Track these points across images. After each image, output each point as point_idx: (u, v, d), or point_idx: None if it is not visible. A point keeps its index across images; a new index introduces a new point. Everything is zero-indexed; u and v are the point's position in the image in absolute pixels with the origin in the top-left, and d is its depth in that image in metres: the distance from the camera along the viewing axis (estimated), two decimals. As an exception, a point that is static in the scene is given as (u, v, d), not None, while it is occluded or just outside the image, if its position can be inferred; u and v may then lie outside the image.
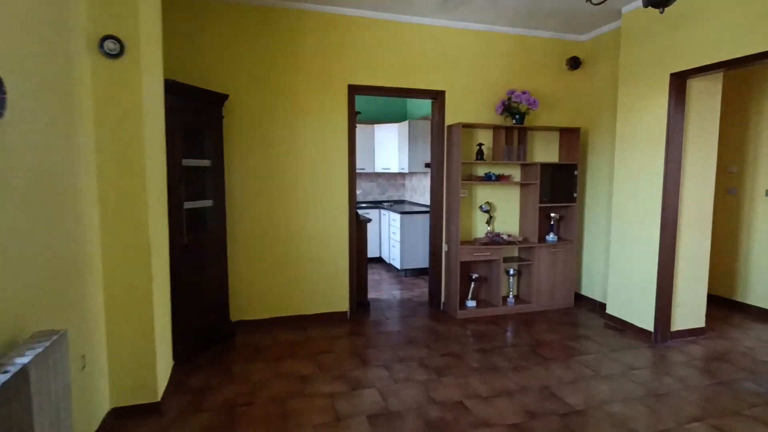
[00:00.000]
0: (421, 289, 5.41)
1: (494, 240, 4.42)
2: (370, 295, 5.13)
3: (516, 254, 4.78)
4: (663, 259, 3.67)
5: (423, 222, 5.97)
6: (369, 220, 4.51)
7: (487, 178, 4.43)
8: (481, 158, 4.38)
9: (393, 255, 6.25)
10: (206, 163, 3.54)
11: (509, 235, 4.54)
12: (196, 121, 3.39)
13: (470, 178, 4.48)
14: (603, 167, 4.58)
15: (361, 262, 4.52)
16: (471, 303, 4.47)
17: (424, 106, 6.53)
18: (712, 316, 4.07)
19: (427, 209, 5.85)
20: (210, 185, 3.61)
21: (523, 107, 4.36)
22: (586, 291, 4.85)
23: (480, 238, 4.47)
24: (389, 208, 6.42)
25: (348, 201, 4.21)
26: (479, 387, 2.94)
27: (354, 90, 4.15)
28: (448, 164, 4.44)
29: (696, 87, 3.60)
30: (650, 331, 3.78)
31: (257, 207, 3.98)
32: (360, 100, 7.16)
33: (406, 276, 6.07)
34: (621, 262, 4.09)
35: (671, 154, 3.59)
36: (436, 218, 4.56)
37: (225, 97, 3.60)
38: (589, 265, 4.80)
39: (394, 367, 3.24)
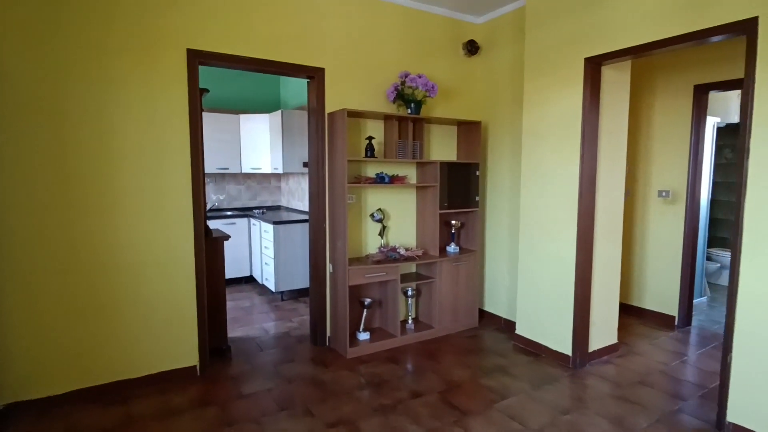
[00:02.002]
0: (301, 317, 4.37)
1: (389, 256, 3.59)
2: (235, 332, 3.94)
3: (413, 270, 4.03)
4: (580, 271, 3.19)
5: (303, 232, 4.94)
6: (226, 237, 3.35)
7: (380, 180, 3.58)
8: (372, 155, 3.52)
9: (266, 274, 5.10)
10: None
11: (407, 249, 3.76)
12: None
13: (359, 180, 3.59)
14: (504, 166, 4.05)
15: (215, 292, 3.34)
16: (364, 335, 3.58)
17: (301, 92, 5.49)
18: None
19: (308, 217, 4.85)
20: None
21: (419, 93, 3.60)
22: (489, 306, 4.29)
23: (373, 255, 3.60)
24: (261, 217, 5.25)
25: (193, 211, 3.01)
26: (384, 481, 2.04)
27: (196, 57, 2.96)
28: (330, 162, 3.49)
29: (607, 75, 3.17)
30: (567, 355, 3.28)
31: (47, 225, 2.58)
32: (218, 83, 5.89)
33: (283, 299, 4.97)
34: (530, 276, 3.56)
35: (587, 152, 3.11)
36: (318, 231, 3.58)
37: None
38: (492, 278, 4.25)
39: (259, 461, 2.19)
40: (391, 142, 3.65)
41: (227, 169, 5.65)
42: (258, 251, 5.34)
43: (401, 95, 3.62)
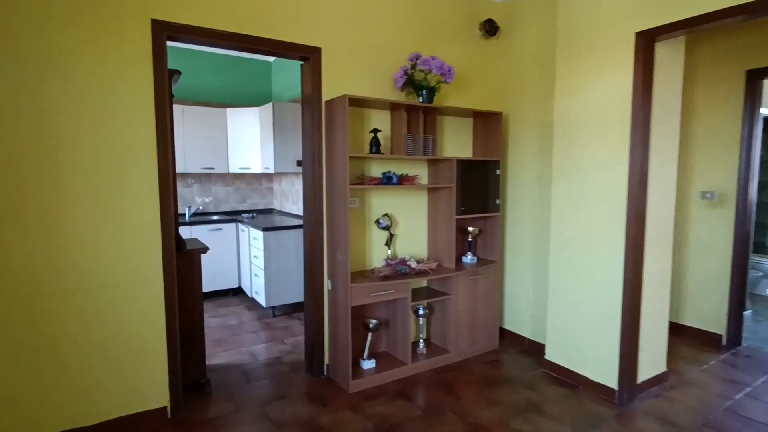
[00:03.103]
0: (295, 337, 3.82)
1: (398, 270, 3.05)
2: (218, 357, 3.39)
3: (424, 284, 3.49)
4: (629, 289, 2.66)
5: (297, 240, 4.39)
6: (203, 249, 2.80)
7: (387, 181, 3.03)
8: (377, 151, 2.97)
9: (256, 286, 4.54)
10: None
11: (418, 261, 3.21)
12: None
13: (362, 181, 3.05)
14: (529, 164, 3.52)
15: (190, 316, 2.78)
16: (369, 363, 3.04)
17: (296, 82, 4.94)
18: (665, 351, 3.23)
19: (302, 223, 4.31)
20: None
21: (432, 78, 3.06)
22: (510, 325, 3.76)
23: (379, 269, 3.06)
24: (249, 222, 4.69)
25: (161, 220, 2.46)
26: None
27: (164, 30, 2.41)
28: (329, 160, 2.94)
29: (659, 54, 2.65)
30: (612, 388, 2.76)
31: (-42, 240, 2.02)
32: (201, 72, 5.21)
33: (274, 316, 4.42)
34: (564, 293, 3.03)
35: (638, 145, 2.58)
36: (314, 241, 3.03)
37: None
38: (513, 293, 3.72)
39: None
40: (399, 136, 3.11)
41: (213, 168, 5.09)
42: (247, 260, 4.78)
43: (411, 80, 3.08)
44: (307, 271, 3.11)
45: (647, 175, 2.62)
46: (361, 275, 3.02)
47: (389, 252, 3.25)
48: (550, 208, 3.23)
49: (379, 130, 2.97)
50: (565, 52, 2.94)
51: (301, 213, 4.96)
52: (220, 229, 4.91)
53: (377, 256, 3.26)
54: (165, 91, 2.43)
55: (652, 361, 2.89)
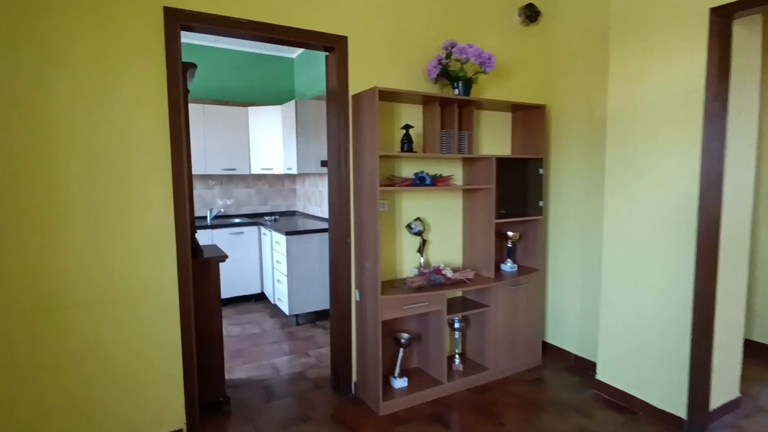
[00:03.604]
0: (319, 349, 3.59)
1: (433, 280, 2.78)
2: (238, 371, 3.18)
3: (459, 294, 3.20)
4: (701, 304, 2.32)
5: (321, 244, 4.16)
6: (222, 258, 2.58)
7: (420, 182, 2.76)
8: (409, 149, 2.70)
9: (278, 293, 4.34)
10: None
11: (454, 270, 2.93)
12: None
13: (393, 182, 2.78)
14: (575, 162, 3.18)
15: (208, 330, 2.57)
16: (400, 382, 2.77)
17: (320, 79, 4.72)
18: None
19: (327, 226, 4.10)
20: None
21: (469, 68, 2.77)
22: (554, 338, 3.43)
23: (411, 278, 2.79)
24: (272, 225, 4.49)
25: (175, 228, 2.25)
26: None
27: (177, 19, 2.20)
28: (356, 160, 2.69)
29: (737, 33, 2.29)
30: (680, 417, 2.41)
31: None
32: (223, 71, 4.91)
33: (298, 324, 4.20)
34: (620, 306, 2.69)
35: (712, 139, 2.24)
36: (339, 248, 2.78)
37: None
38: (557, 303, 3.39)
39: None
40: (432, 133, 2.83)
41: (234, 170, 4.92)
42: (269, 265, 4.58)
43: (446, 71, 2.80)
44: (332, 280, 2.87)
45: (723, 175, 2.27)
46: (392, 285, 2.76)
47: (422, 260, 2.98)
48: (599, 211, 2.90)
49: (412, 126, 2.69)
50: (621, 34, 2.61)
51: (325, 215, 4.74)
52: (242, 232, 4.73)
53: (408, 264, 2.99)
54: (179, 87, 2.22)
55: (724, 386, 2.53)
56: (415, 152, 2.72)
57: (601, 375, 2.83)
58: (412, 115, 2.90)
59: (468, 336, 3.21)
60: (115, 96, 2.08)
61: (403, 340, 2.75)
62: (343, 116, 2.67)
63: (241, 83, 5.13)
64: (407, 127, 2.68)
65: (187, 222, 2.28)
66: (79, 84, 2.01)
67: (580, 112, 3.12)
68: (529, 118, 3.22)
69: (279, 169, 4.90)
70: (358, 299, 2.77)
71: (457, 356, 3.06)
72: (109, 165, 2.09)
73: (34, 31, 1.91)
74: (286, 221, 4.82)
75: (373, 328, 2.60)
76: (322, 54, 2.82)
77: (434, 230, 3.07)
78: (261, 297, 4.98)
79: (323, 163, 4.57)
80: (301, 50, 5.12)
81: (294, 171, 4.61)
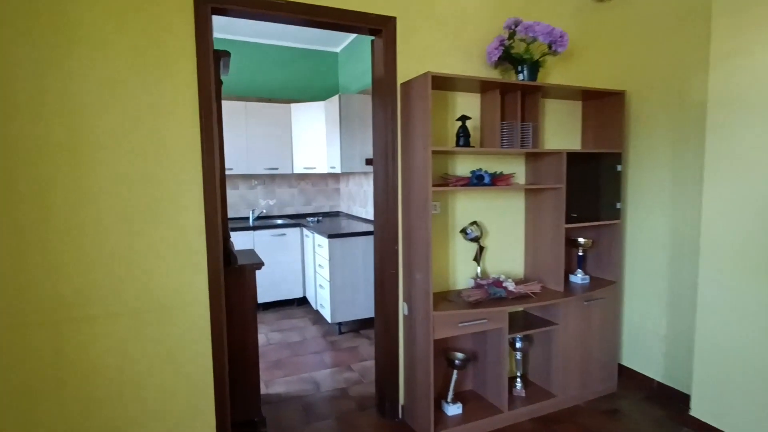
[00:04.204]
0: (364, 362, 3.32)
1: (492, 293, 2.42)
2: (276, 385, 2.96)
3: (520, 308, 2.82)
4: (842, 336, 1.83)
5: (366, 247, 3.89)
6: (258, 265, 2.36)
7: (477, 181, 2.41)
8: (466, 143, 2.37)
9: (321, 299, 4.12)
10: None
11: (517, 282, 2.56)
12: None
13: (446, 182, 2.45)
14: (661, 157, 2.72)
15: (243, 343, 2.35)
16: (454, 409, 2.44)
17: (365, 73, 4.46)
18: None
19: (372, 229, 3.83)
20: None
21: (536, 50, 2.40)
22: (631, 361, 2.98)
23: (467, 291, 2.45)
24: (314, 227, 4.27)
25: (206, 233, 2.04)
26: None
27: (208, 1, 1.98)
28: (405, 156, 2.38)
29: None
30: (807, 474, 1.93)
31: (-26, 257, 1.72)
32: (265, 67, 4.72)
33: (341, 333, 3.96)
34: (724, 330, 2.22)
35: None
36: (386, 255, 2.49)
37: None
38: (635, 321, 2.93)
39: None
40: (491, 124, 2.48)
41: (277, 169, 4.75)
42: (312, 269, 4.37)
43: (508, 53, 2.43)
44: (377, 291, 2.58)
45: None
46: (445, 299, 2.43)
47: (478, 269, 2.63)
48: (692, 214, 2.44)
49: (469, 117, 2.35)
50: (726, 4, 2.14)
51: (370, 217, 4.48)
52: (284, 234, 4.55)
53: (463, 273, 2.65)
54: (209, 77, 2.01)
55: None
56: (473, 147, 2.38)
57: (697, 411, 2.37)
58: (467, 105, 2.56)
59: (530, 356, 2.82)
60: (141, 87, 1.89)
61: (457, 362, 2.41)
62: (391, 107, 2.37)
63: (285, 80, 4.96)
64: (464, 118, 2.35)
65: (218, 226, 2.07)
66: (103, 74, 1.82)
67: (667, 98, 2.65)
68: (604, 107, 2.79)
69: (322, 168, 4.69)
70: (406, 313, 2.46)
71: (518, 380, 2.68)
72: (138, 165, 1.90)
73: (57, 16, 1.74)
74: (330, 223, 4.60)
75: (424, 347, 2.28)
76: (368, 46, 2.54)
77: (492, 236, 2.72)
78: (303, 301, 4.79)
79: (368, 161, 4.30)
80: (345, 44, 4.89)
81: (337, 170, 4.37)
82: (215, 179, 2.05)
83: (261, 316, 4.39)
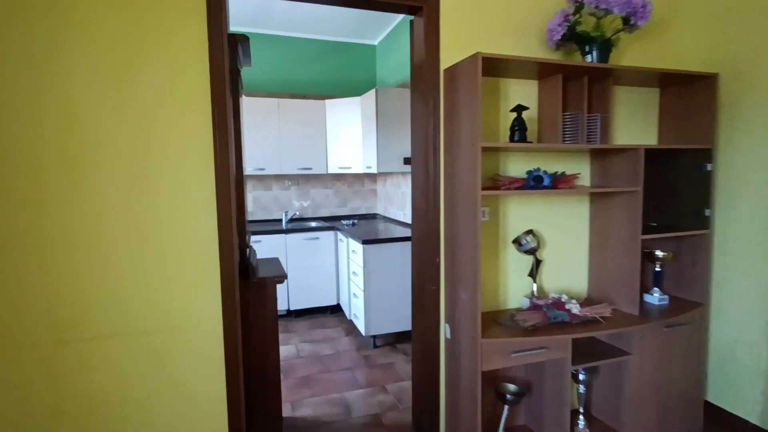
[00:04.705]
0: (400, 383, 3.00)
1: (553, 317, 2.04)
2: (305, 404, 2.70)
3: (585, 335, 2.41)
4: None
5: (403, 254, 3.57)
6: (280, 278, 2.09)
7: (535, 183, 2.03)
8: (522, 138, 2.00)
9: (355, 308, 3.83)
10: None
11: (582, 304, 2.16)
12: None
13: (497, 184, 2.09)
14: (759, 155, 2.23)
15: (262, 366, 2.09)
16: (504, 450, 2.08)
17: (404, 65, 4.14)
18: None
19: (410, 233, 3.51)
20: None
21: (607, 25, 1.99)
22: (718, 398, 2.49)
23: (521, 313, 2.08)
24: (349, 230, 4.00)
25: (219, 244, 1.79)
26: None
27: (222, -23, 1.73)
28: (449, 154, 2.04)
29: None
30: None
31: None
32: (300, 63, 4.47)
33: (375, 346, 3.65)
34: None
35: None
36: (425, 269, 2.16)
37: None
38: (724, 352, 2.44)
39: None
40: (550, 116, 2.10)
41: (311, 169, 4.51)
42: (346, 276, 4.10)
43: (573, 31, 2.04)
44: (415, 309, 2.26)
45: None
46: (495, 321, 2.07)
47: (534, 286, 2.25)
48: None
49: (526, 108, 1.98)
50: None
51: (408, 221, 4.15)
52: (317, 237, 4.30)
53: (516, 290, 2.28)
54: (223, 64, 1.75)
55: None
56: (530, 142, 2.01)
57: (816, 472, 1.89)
58: (521, 94, 2.18)
59: (594, 387, 2.41)
60: (146, 74, 1.65)
61: (509, 396, 2.05)
62: (433, 97, 2.04)
63: (319, 75, 4.72)
64: (519, 108, 1.98)
65: (233, 235, 1.81)
66: (101, 62, 1.60)
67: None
68: (689, 94, 2.33)
69: (358, 168, 4.41)
70: (448, 337, 2.12)
71: (581, 416, 2.28)
72: (139, 167, 1.67)
73: (53, 3, 1.54)
74: (365, 226, 4.31)
75: (470, 378, 1.94)
76: (407, 37, 2.21)
77: (550, 247, 2.33)
78: (337, 308, 4.53)
79: (406, 161, 3.98)
80: (383, 35, 4.58)
81: (373, 170, 4.07)
82: (230, 181, 1.79)
83: (292, 324, 4.16)
